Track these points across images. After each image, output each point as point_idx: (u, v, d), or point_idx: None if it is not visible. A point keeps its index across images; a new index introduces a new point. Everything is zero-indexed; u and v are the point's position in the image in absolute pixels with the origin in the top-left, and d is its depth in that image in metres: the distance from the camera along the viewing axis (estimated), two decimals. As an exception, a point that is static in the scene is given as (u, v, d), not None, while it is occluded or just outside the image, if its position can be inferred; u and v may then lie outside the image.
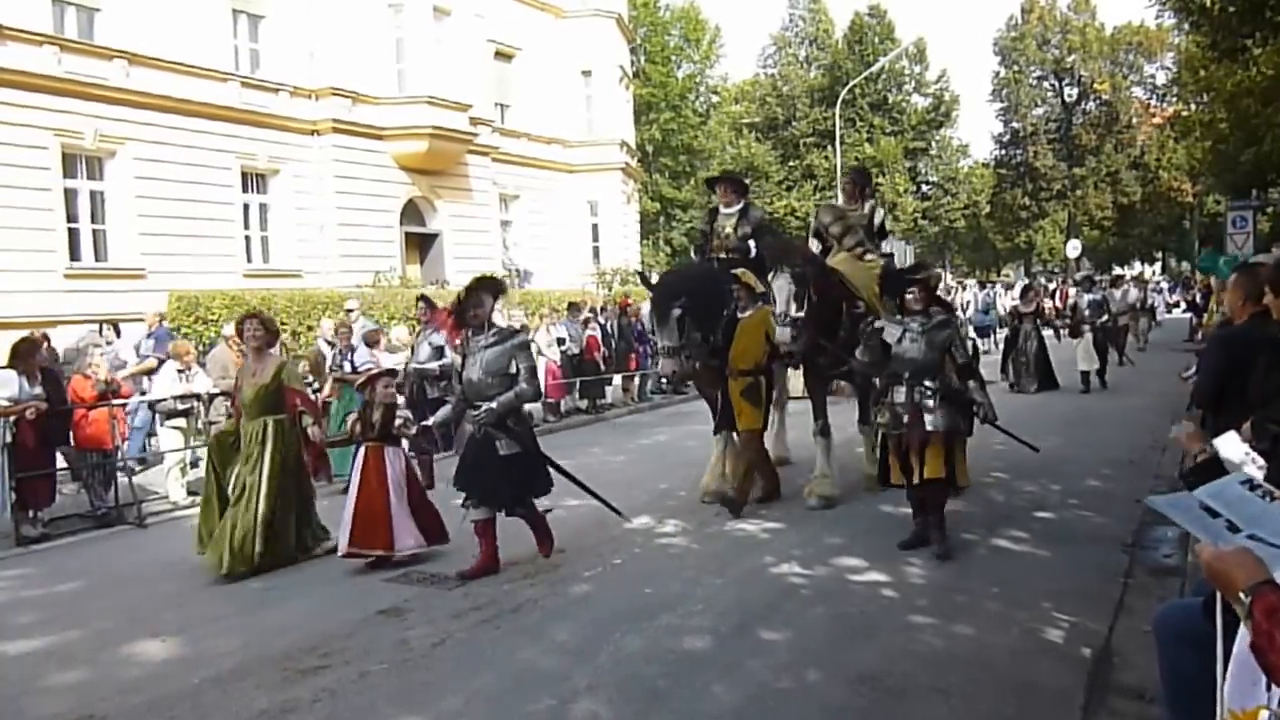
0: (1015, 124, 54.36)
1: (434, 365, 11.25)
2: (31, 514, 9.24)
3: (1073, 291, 21.77)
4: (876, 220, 9.76)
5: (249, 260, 20.55)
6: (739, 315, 8.61)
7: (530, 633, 5.72)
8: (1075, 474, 9.65)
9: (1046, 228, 54.33)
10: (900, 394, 7.01)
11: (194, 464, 10.88)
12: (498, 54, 27.35)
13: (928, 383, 6.94)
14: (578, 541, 7.77)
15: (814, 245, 9.51)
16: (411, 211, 24.20)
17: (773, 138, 49.53)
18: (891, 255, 10.04)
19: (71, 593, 7.33)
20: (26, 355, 9.47)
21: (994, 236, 55.95)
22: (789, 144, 48.92)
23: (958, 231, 53.89)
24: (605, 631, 5.64)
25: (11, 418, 8.98)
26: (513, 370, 6.87)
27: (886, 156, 46.64)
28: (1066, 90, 54.33)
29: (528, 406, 7.27)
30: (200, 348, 13.33)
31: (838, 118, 37.30)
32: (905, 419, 6.93)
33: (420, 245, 24.79)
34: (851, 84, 42.33)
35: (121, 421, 10.53)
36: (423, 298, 12.57)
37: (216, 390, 10.98)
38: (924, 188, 50.98)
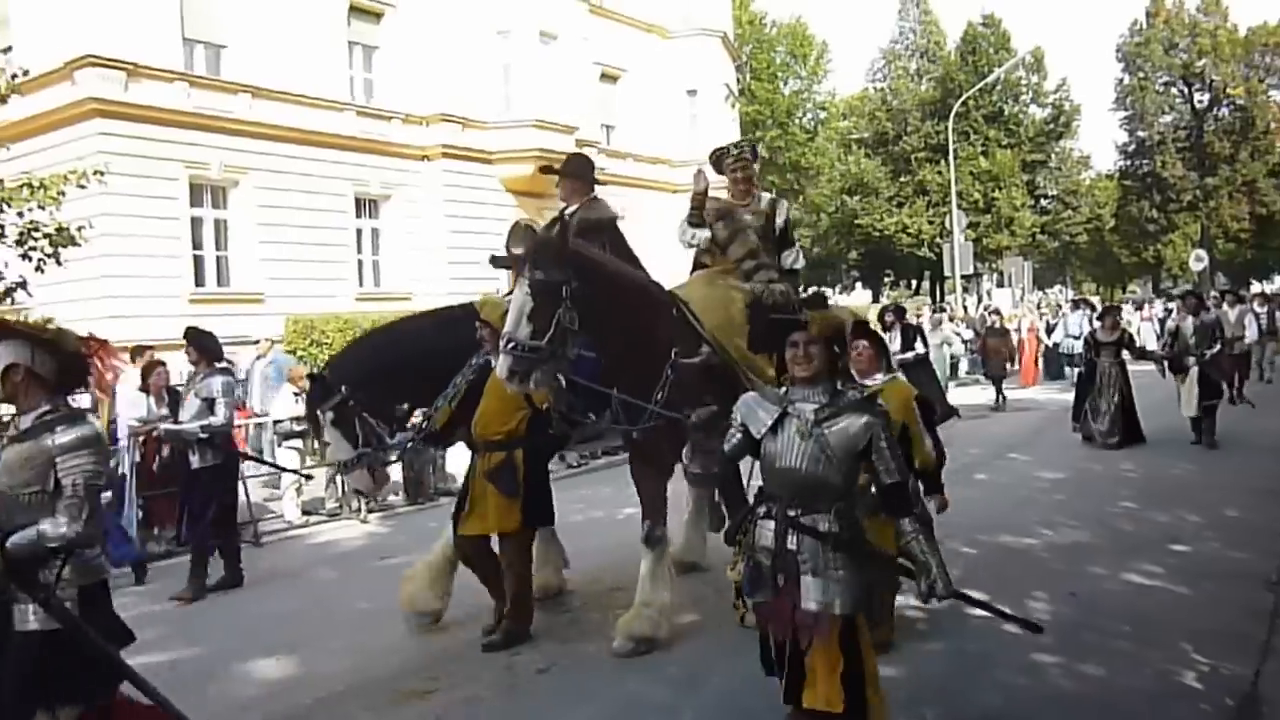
0: (1141, 133, 52.07)
1: (196, 426, 7.89)
2: (156, 531, 9.60)
3: (1173, 313, 17.14)
4: (779, 221, 6.78)
5: (361, 284, 21.11)
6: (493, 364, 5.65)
7: (637, 662, 5.60)
8: (1213, 503, 9.04)
9: (1176, 241, 51.81)
10: (768, 532, 3.71)
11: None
12: (603, 76, 27.59)
13: (820, 518, 3.64)
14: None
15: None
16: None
17: (883, 153, 48.67)
18: (795, 274, 6.87)
19: (190, 609, 7.55)
20: (148, 374, 9.90)
21: (1119, 251, 53.70)
22: (900, 159, 47.97)
23: (1079, 246, 51.94)
24: (713, 663, 5.47)
25: (140, 437, 9.36)
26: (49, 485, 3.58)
27: (1003, 170, 45.28)
28: (1197, 96, 51.81)
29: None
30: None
31: (950, 131, 36.38)
32: (777, 581, 3.65)
33: (528, 267, 25.02)
34: (965, 96, 41.27)
35: (242, 443, 10.85)
36: (191, 330, 8.39)
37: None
38: (1043, 201, 49.32)
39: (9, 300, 11.66)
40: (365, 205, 21.45)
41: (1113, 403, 12.98)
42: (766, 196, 6.89)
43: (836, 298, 31.38)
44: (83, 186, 11.73)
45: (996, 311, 23.80)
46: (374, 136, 21.12)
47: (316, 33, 19.91)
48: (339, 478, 11.29)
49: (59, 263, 11.85)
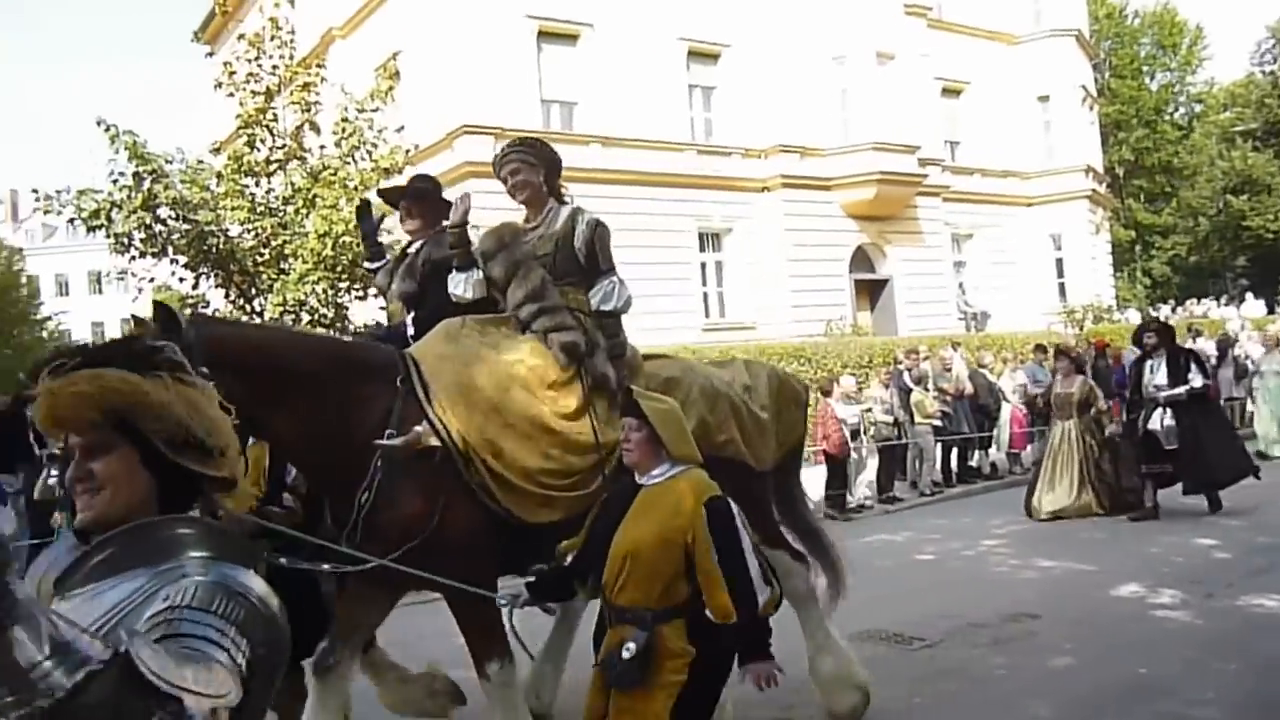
0: None
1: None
2: None
3: None
4: (579, 243, 4.64)
5: (707, 315, 21.75)
6: None
7: (1001, 705, 5.20)
8: None
9: None
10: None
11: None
12: (945, 90, 26.61)
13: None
14: (1055, 606, 7.00)
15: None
16: (860, 259, 24.16)
17: (1275, 144, 42.81)
18: (613, 317, 4.74)
19: None
20: None
21: None
22: (1295, 150, 42.01)
23: None
24: (1090, 712, 4.98)
25: None
26: None
27: None
28: None
29: None
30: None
31: (1363, 110, 31.34)
32: None
33: (870, 292, 24.64)
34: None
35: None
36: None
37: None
38: None
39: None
40: (708, 239, 22.14)
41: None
42: (566, 210, 4.76)
43: (1221, 310, 27.83)
44: None
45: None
46: (714, 173, 21.79)
47: (658, 80, 20.95)
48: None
49: None
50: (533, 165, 4.69)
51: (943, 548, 9.87)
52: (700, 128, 22.35)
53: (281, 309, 11.53)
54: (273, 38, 12.54)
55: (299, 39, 13.35)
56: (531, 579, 3.64)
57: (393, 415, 4.03)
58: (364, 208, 5.94)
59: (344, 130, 12.28)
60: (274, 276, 11.86)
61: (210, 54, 26.56)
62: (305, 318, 11.70)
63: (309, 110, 12.40)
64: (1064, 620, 6.68)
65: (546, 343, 4.41)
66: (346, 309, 12.47)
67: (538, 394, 4.27)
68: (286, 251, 11.76)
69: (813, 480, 13.33)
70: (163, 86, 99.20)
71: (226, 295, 12.43)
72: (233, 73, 12.38)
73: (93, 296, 53.95)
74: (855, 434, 12.91)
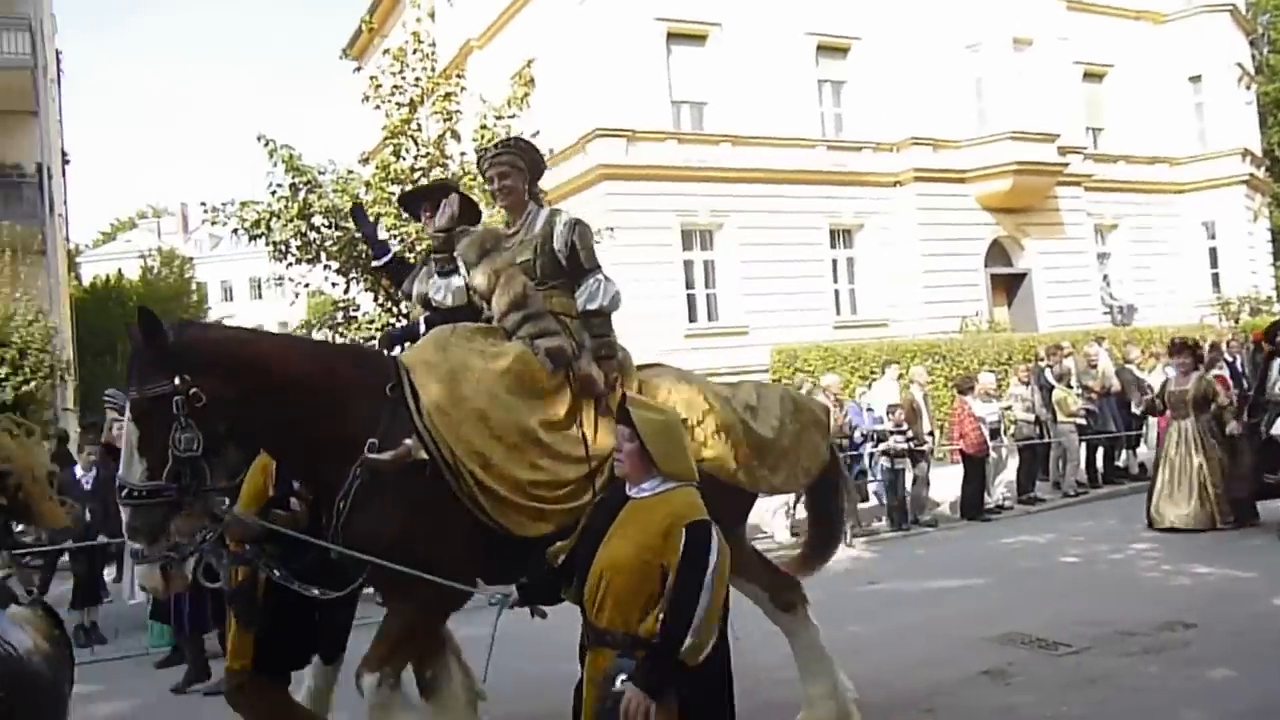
0: None
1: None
2: None
3: None
4: (559, 245, 4.54)
5: (838, 312, 21.55)
6: None
7: (1154, 717, 5.07)
8: None
9: None
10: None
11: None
12: (1086, 75, 25.56)
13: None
14: (1212, 616, 6.76)
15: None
16: (997, 252, 23.50)
17: None
18: (602, 316, 4.59)
19: None
20: None
21: None
22: None
23: None
24: (1252, 727, 4.81)
25: None
26: None
27: None
28: None
29: None
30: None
31: None
32: None
33: (1008, 286, 23.94)
34: None
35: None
36: None
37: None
38: None
39: None
40: (839, 236, 21.93)
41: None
42: (544, 212, 4.69)
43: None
44: (597, 242, 13.27)
45: None
46: (845, 168, 21.57)
47: (787, 77, 20.84)
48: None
49: None
50: (520, 169, 4.61)
51: (1088, 550, 9.62)
52: (830, 123, 22.12)
53: None
54: (415, 51, 12.97)
55: (439, 51, 13.88)
56: (523, 581, 3.55)
57: (380, 425, 3.95)
58: (358, 210, 5.98)
59: (483, 137, 12.54)
60: (419, 280, 12.34)
61: (358, 69, 27.83)
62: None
63: (450, 119, 12.79)
64: (1222, 631, 6.44)
65: (533, 349, 4.34)
66: None
67: (525, 403, 4.18)
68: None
69: (949, 480, 13.18)
70: (314, 102, 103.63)
71: (375, 298, 12.86)
72: (379, 86, 12.86)
73: (254, 301, 56.97)
74: (994, 433, 12.65)
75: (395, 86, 12.80)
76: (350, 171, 13.29)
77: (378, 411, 4.00)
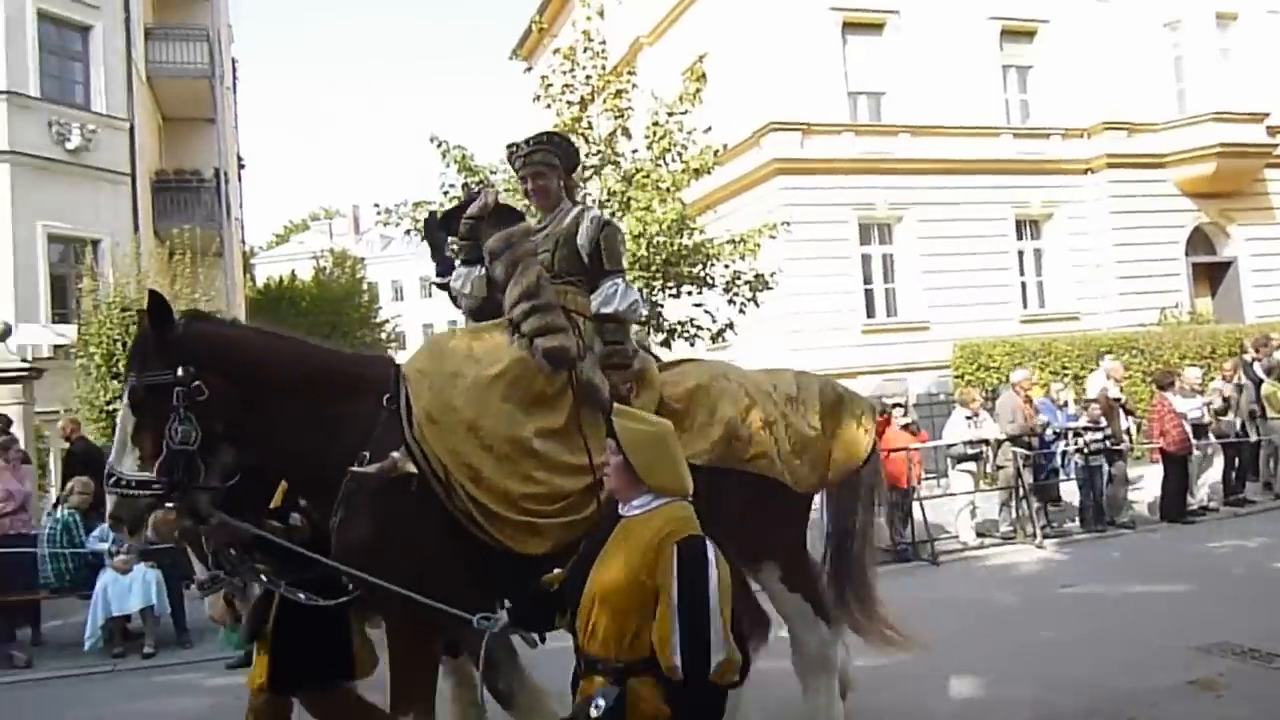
0: None
1: None
2: None
3: None
4: (583, 240, 4.34)
5: (1025, 306, 20.76)
6: None
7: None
8: None
9: None
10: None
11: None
12: (1301, 48, 23.65)
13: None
14: None
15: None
16: (1199, 240, 22.07)
17: None
18: (617, 322, 4.34)
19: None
20: None
21: None
22: None
23: None
24: None
25: None
26: None
27: None
28: None
29: None
30: (985, 394, 13.78)
31: None
32: None
33: (1210, 276, 22.45)
34: None
35: (917, 464, 11.43)
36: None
37: (1003, 436, 11.33)
38: None
39: (720, 340, 13.59)
40: (1026, 226, 21.12)
41: None
42: (575, 209, 4.50)
43: None
44: (773, 238, 13.39)
45: None
46: (1032, 156, 20.73)
47: (969, 64, 20.22)
48: (1012, 501, 11.37)
49: (757, 305, 13.58)
50: (554, 167, 4.43)
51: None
52: (1016, 109, 21.31)
53: None
54: (585, 49, 13.27)
55: (609, 49, 14.00)
56: (510, 604, 3.32)
57: (373, 436, 3.80)
58: (431, 220, 5.62)
59: (655, 134, 12.86)
60: (591, 278, 12.62)
61: (528, 69, 28.70)
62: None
63: (621, 116, 13.02)
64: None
65: (532, 349, 4.06)
66: (661, 307, 13.05)
67: (520, 410, 3.93)
68: (603, 253, 12.48)
69: (1149, 480, 12.59)
70: (483, 103, 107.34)
71: None
72: (549, 85, 13.24)
73: (424, 300, 58.54)
74: (1199, 430, 12.01)
75: (566, 85, 13.11)
76: (521, 170, 13.83)
77: (373, 422, 3.87)
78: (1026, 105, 21.43)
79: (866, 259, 19.68)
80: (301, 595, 3.89)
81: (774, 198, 18.20)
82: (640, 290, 12.55)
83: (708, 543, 2.89)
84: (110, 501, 3.68)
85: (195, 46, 22.57)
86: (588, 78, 13.19)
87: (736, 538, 3.72)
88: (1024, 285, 20.97)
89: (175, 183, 22.07)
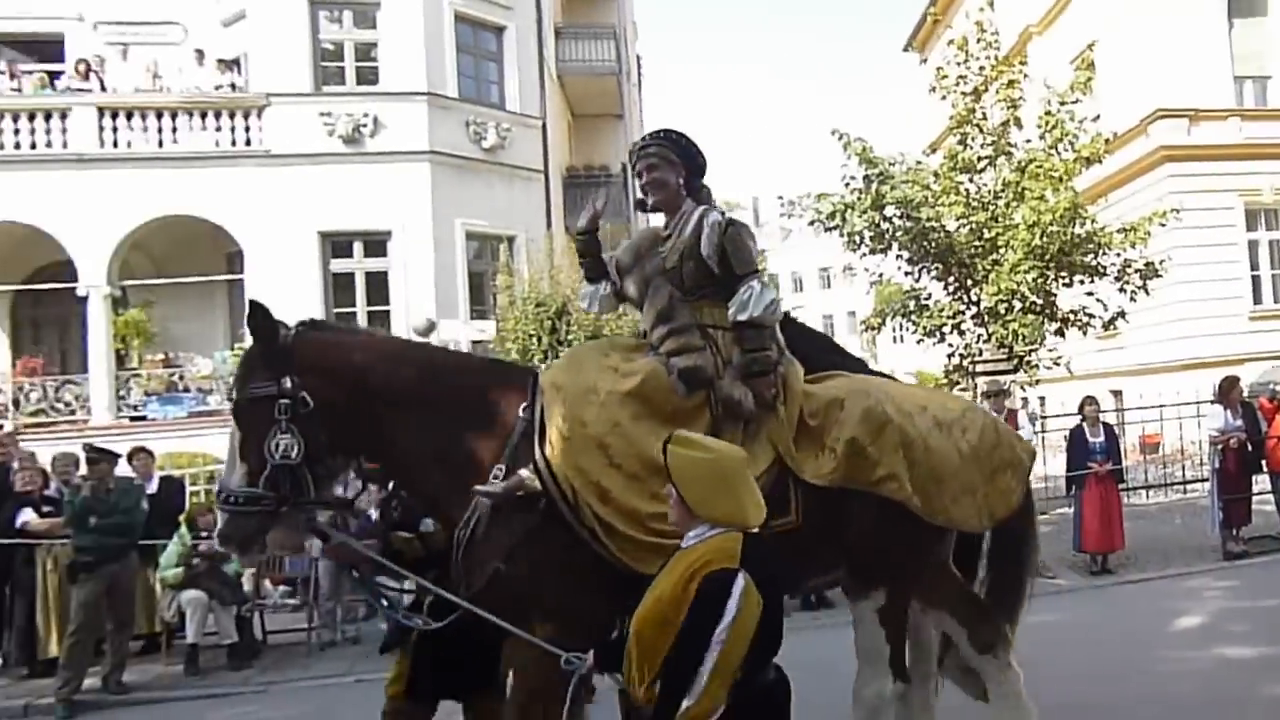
0: None
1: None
2: (1235, 532, 10.50)
3: None
4: (707, 250, 3.94)
5: (1258, 301, 19.24)
6: None
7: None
8: None
9: None
10: None
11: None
12: None
13: None
14: None
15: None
16: None
17: None
18: (758, 328, 3.92)
19: (1273, 608, 7.65)
20: (1228, 392, 10.82)
21: None
22: None
23: None
24: None
25: (1219, 446, 10.53)
26: None
27: None
28: None
29: None
30: None
31: None
32: None
33: None
34: None
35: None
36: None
37: None
38: None
39: (1112, 328, 13.57)
40: (1259, 216, 19.38)
41: None
42: (697, 212, 4.05)
43: None
44: (1161, 225, 13.17)
45: None
46: (1266, 140, 18.91)
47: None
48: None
49: (1147, 293, 13.41)
50: (671, 163, 4.04)
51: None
52: (1249, 89, 19.63)
53: (996, 298, 12.49)
54: (978, 40, 13.40)
55: (1000, 40, 14.08)
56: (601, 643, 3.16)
57: (506, 449, 3.67)
58: (593, 220, 5.00)
59: (1047, 123, 12.80)
60: (988, 267, 12.69)
61: (922, 61, 29.05)
62: (1016, 305, 12.60)
63: (1014, 106, 13.03)
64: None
65: (668, 368, 3.84)
66: (1055, 296, 13.15)
67: (652, 427, 3.67)
68: (999, 243, 12.54)
69: None
70: (876, 99, 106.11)
71: (945, 287, 13.52)
72: (944, 76, 13.50)
73: (823, 291, 58.98)
74: None
75: (960, 76, 13.24)
76: (919, 162, 13.83)
77: (506, 436, 3.71)
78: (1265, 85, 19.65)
79: (1253, 245, 18.96)
80: (418, 620, 3.80)
81: (1161, 185, 18.10)
82: (1036, 280, 12.28)
83: (739, 576, 2.64)
84: (220, 519, 3.65)
85: (603, 44, 22.48)
86: (981, 68, 13.31)
87: (864, 563, 3.90)
88: (1256, 279, 19.33)
89: (584, 178, 21.96)
